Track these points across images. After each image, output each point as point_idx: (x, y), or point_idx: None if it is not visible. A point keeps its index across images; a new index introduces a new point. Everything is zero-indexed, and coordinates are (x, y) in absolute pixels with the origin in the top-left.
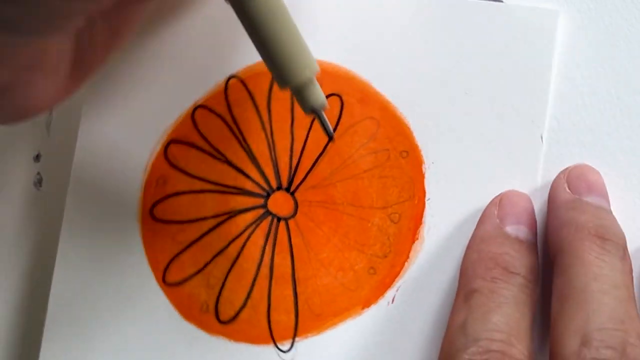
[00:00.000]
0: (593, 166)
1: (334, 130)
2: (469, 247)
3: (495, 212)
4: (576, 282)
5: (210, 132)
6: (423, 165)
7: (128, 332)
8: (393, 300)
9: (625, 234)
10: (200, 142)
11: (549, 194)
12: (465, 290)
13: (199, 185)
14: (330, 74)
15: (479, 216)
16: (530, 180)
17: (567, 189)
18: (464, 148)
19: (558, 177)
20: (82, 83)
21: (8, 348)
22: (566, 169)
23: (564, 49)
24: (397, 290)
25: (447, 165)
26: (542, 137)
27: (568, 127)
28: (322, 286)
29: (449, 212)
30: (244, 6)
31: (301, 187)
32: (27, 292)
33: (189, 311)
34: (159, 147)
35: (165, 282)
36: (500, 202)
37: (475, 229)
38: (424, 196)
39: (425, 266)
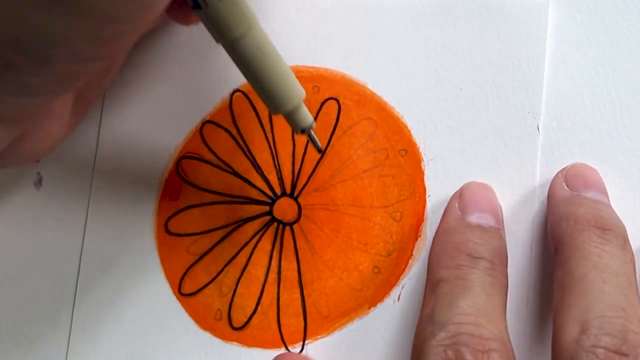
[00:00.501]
0: (593, 166)
1: (332, 133)
2: (433, 241)
3: (457, 205)
4: (576, 272)
5: (218, 145)
6: (422, 162)
7: (148, 344)
8: (399, 298)
9: (634, 261)
10: (209, 156)
11: (548, 193)
12: (432, 282)
13: (208, 197)
14: (327, 79)
15: None
16: (529, 170)
17: (565, 186)
18: (462, 143)
19: (556, 176)
20: (81, 118)
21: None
22: (564, 168)
23: (564, 49)
24: (402, 288)
25: (446, 161)
26: (538, 127)
27: (568, 127)
28: (328, 288)
29: None
30: (237, 51)
31: (304, 192)
32: (27, 291)
33: (204, 320)
34: (171, 164)
35: (181, 293)
36: (460, 194)
37: (439, 224)
38: (425, 193)
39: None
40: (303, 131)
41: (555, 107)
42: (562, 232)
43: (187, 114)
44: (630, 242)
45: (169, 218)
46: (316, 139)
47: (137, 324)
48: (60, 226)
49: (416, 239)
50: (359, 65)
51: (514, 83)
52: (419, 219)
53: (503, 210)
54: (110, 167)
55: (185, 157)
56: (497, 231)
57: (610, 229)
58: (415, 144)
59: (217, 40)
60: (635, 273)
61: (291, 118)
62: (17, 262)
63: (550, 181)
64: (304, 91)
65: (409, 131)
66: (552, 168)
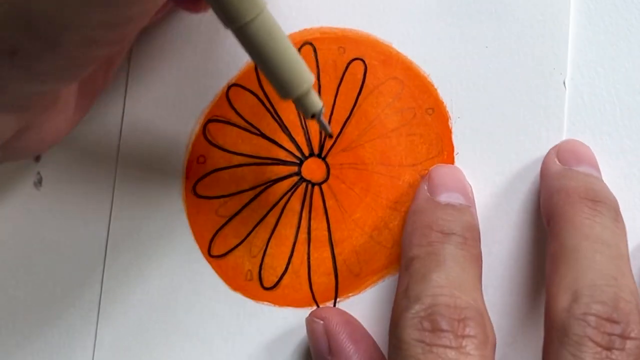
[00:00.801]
0: None
1: (359, 93)
2: (405, 223)
3: (425, 187)
4: (568, 243)
5: (244, 108)
6: (449, 120)
7: (179, 305)
8: None
9: (626, 234)
10: (236, 119)
11: (541, 168)
12: (405, 260)
13: (236, 159)
14: (353, 40)
15: (508, 167)
16: (557, 126)
17: (557, 161)
18: (489, 100)
19: (549, 152)
20: (86, 111)
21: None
22: (556, 145)
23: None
24: None
25: (473, 119)
26: (564, 83)
27: (568, 127)
28: (359, 246)
29: (478, 165)
30: (245, 36)
31: (332, 152)
32: (28, 291)
33: (235, 281)
34: (197, 127)
35: (210, 255)
36: (429, 177)
37: (410, 207)
38: (453, 151)
39: None
40: (313, 116)
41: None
42: (554, 205)
43: (213, 78)
44: (631, 242)
45: (197, 181)
46: (326, 124)
47: (167, 288)
48: (61, 225)
49: None
50: (383, 25)
51: (539, 39)
52: None
53: (529, 166)
54: (136, 133)
55: (212, 120)
56: (467, 208)
57: (602, 201)
58: (442, 103)
59: (226, 25)
60: (627, 244)
61: (300, 103)
62: (17, 262)
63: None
64: (313, 76)
65: (435, 90)
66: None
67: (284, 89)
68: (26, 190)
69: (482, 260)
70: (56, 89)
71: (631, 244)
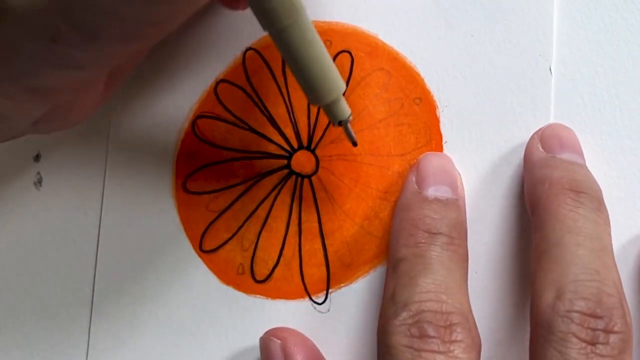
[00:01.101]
0: (593, 166)
1: (347, 83)
2: (393, 218)
3: (414, 178)
4: (551, 236)
5: (233, 103)
6: (437, 110)
7: (171, 301)
8: None
9: (626, 234)
10: (224, 114)
11: (524, 154)
12: (392, 261)
13: (226, 154)
14: (338, 32)
15: (497, 154)
16: (544, 112)
17: (540, 147)
18: (476, 88)
19: (532, 137)
20: (112, 92)
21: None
22: (540, 129)
23: (564, 49)
24: None
25: (461, 107)
26: (550, 69)
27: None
28: (350, 237)
29: (467, 153)
30: (283, 40)
31: (320, 144)
32: (27, 290)
33: (226, 275)
34: (186, 124)
35: (202, 250)
36: (417, 167)
37: (398, 201)
38: (441, 140)
39: None
40: (340, 123)
41: (555, 107)
42: (538, 196)
43: (201, 74)
44: (631, 241)
45: (187, 177)
46: (352, 131)
47: (160, 284)
48: (60, 225)
49: None
50: (369, 17)
51: (523, 27)
52: None
53: (517, 153)
54: (125, 132)
55: (200, 116)
56: (454, 202)
57: (585, 191)
58: (429, 92)
59: (265, 28)
60: (610, 235)
61: (330, 110)
62: (17, 262)
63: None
64: (344, 84)
65: (422, 80)
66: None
67: (316, 95)
68: (26, 190)
69: (468, 259)
70: (89, 76)
71: (633, 246)
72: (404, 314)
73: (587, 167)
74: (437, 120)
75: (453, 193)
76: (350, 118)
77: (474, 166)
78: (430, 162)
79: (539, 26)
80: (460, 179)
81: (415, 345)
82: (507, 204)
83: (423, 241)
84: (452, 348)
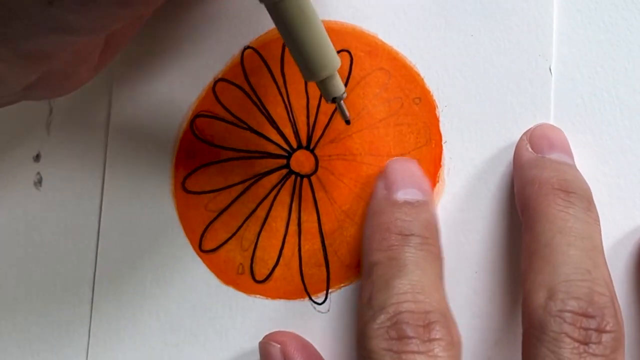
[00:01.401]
0: (592, 166)
1: (346, 85)
2: (365, 224)
3: (382, 184)
4: (542, 237)
5: (231, 102)
6: (436, 109)
7: (171, 301)
8: None
9: (626, 234)
10: (223, 113)
11: (513, 155)
12: (366, 266)
13: (224, 154)
14: (338, 32)
15: (496, 153)
16: (544, 112)
17: (529, 148)
18: (475, 88)
19: (521, 138)
20: (107, 63)
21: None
22: (528, 129)
23: (564, 48)
24: None
25: (460, 107)
26: (550, 69)
27: (568, 127)
28: (350, 236)
29: (467, 153)
30: (279, 13)
31: (320, 143)
32: (27, 290)
33: (226, 275)
34: (185, 123)
35: (201, 250)
36: (385, 173)
37: (368, 208)
38: (441, 139)
39: (448, 207)
40: (334, 100)
41: (555, 107)
42: (527, 197)
43: (199, 73)
44: (631, 242)
45: (186, 177)
46: (345, 109)
47: (159, 284)
48: (60, 225)
49: (434, 185)
50: (368, 16)
51: (523, 27)
52: (436, 165)
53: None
54: (124, 132)
55: (199, 115)
56: (425, 204)
57: (575, 191)
58: (428, 92)
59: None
60: (600, 234)
61: (324, 86)
62: (17, 262)
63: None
64: (339, 60)
65: (422, 79)
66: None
67: (311, 70)
68: (26, 190)
69: (442, 258)
70: (83, 41)
71: (633, 246)
72: (382, 317)
73: (576, 167)
74: (437, 120)
75: (422, 195)
76: (345, 95)
77: (473, 165)
78: (398, 166)
79: (538, 26)
80: (429, 182)
81: (395, 348)
82: (506, 203)
83: (396, 243)
84: (431, 347)
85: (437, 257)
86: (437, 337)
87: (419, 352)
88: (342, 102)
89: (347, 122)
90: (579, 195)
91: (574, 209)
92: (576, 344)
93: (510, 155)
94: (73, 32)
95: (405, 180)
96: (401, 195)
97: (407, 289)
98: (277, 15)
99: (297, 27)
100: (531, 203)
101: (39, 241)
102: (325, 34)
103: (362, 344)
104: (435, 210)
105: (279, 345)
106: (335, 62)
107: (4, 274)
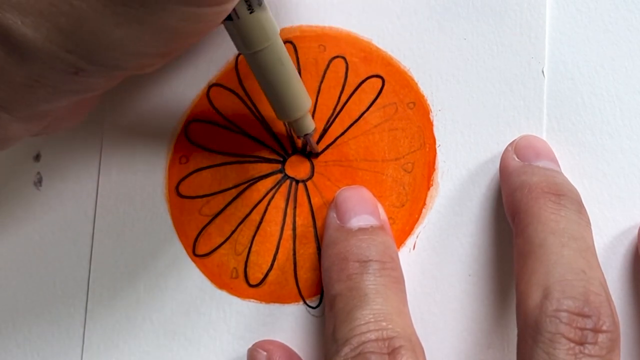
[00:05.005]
0: (592, 166)
1: (341, 91)
2: (321, 257)
3: (334, 214)
4: (535, 238)
5: (226, 107)
6: (430, 113)
7: (165, 305)
8: (414, 247)
9: (625, 235)
10: (217, 118)
11: (500, 165)
12: (328, 299)
13: (219, 159)
14: (333, 37)
15: (490, 156)
16: (536, 114)
17: (515, 157)
18: (469, 92)
19: (506, 149)
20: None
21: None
22: (513, 141)
23: (564, 48)
24: (417, 237)
25: (454, 111)
26: (543, 72)
27: (568, 127)
28: None
29: (460, 156)
30: (256, 62)
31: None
32: (26, 290)
33: (220, 279)
34: (179, 128)
35: (195, 254)
36: (335, 204)
37: (322, 238)
38: (435, 143)
39: (442, 210)
40: (305, 136)
41: (555, 107)
42: (518, 202)
43: (193, 78)
44: (631, 242)
45: (180, 181)
46: (314, 144)
47: (153, 288)
48: (60, 225)
49: (428, 188)
50: (363, 22)
51: (516, 29)
52: (430, 169)
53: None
54: (118, 136)
55: (193, 120)
56: (379, 229)
57: (565, 194)
58: (422, 96)
59: (241, 50)
60: (592, 235)
61: (296, 125)
62: (17, 262)
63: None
64: (310, 101)
65: (416, 84)
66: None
67: (285, 112)
68: (26, 190)
69: (404, 281)
70: (97, 95)
71: (633, 246)
72: (345, 349)
73: (563, 173)
74: (431, 124)
75: (375, 220)
76: (314, 132)
77: (467, 169)
78: (348, 194)
79: (531, 29)
80: (381, 206)
81: None
82: (500, 206)
83: (355, 272)
84: None
85: (398, 281)
86: None
87: None
88: (311, 138)
89: (317, 154)
90: (569, 197)
91: (565, 210)
92: (572, 345)
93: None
94: (94, 90)
95: (357, 207)
96: (355, 222)
97: (369, 319)
98: (255, 63)
99: (274, 74)
100: (522, 207)
101: (39, 241)
102: (299, 78)
103: None
104: (391, 233)
105: (265, 353)
106: (306, 103)
107: (3, 274)
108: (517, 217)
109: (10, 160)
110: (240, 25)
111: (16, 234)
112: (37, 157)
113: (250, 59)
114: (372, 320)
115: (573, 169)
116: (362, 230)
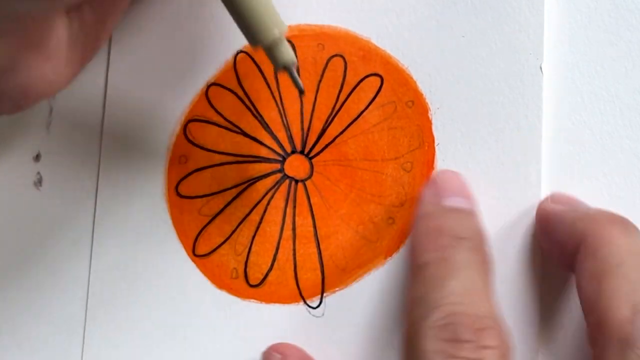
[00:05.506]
0: (592, 166)
1: (340, 90)
2: (413, 227)
3: (429, 192)
4: (611, 259)
5: (224, 107)
6: (429, 112)
7: (165, 305)
8: None
9: None
10: (216, 118)
11: (538, 212)
12: (417, 265)
13: (218, 158)
14: (331, 36)
15: (489, 156)
16: (535, 112)
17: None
18: (467, 90)
19: (544, 198)
20: (78, 70)
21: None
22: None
23: (564, 48)
24: None
25: (453, 109)
26: (541, 68)
27: (568, 127)
28: (345, 241)
29: (459, 154)
30: None
31: (314, 149)
32: (26, 290)
33: (220, 279)
34: (178, 128)
35: (195, 254)
36: (433, 182)
37: (416, 212)
38: (433, 142)
39: None
40: (284, 67)
41: (555, 107)
42: (584, 228)
43: (192, 78)
44: None
45: (180, 181)
46: (298, 78)
47: (153, 289)
48: (60, 225)
49: None
50: (361, 20)
51: (514, 26)
52: (430, 168)
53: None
54: (117, 136)
55: (192, 120)
56: (473, 213)
57: (629, 222)
58: (421, 95)
59: None
60: None
61: (272, 53)
62: (17, 262)
63: (553, 157)
64: (285, 26)
65: (415, 82)
66: (552, 168)
67: (253, 34)
68: (26, 190)
69: (494, 266)
70: (36, 21)
71: None
72: (435, 315)
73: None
74: (430, 123)
75: (470, 205)
76: (296, 63)
77: (465, 168)
78: (446, 176)
79: (529, 25)
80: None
81: (448, 350)
82: (498, 205)
83: (449, 244)
84: (484, 354)
85: (488, 264)
86: (492, 344)
87: (471, 359)
88: (294, 71)
89: (301, 91)
90: (630, 223)
91: (637, 235)
92: None
93: (501, 155)
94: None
95: (454, 189)
96: (450, 201)
97: (461, 291)
98: None
99: None
100: (589, 232)
101: (39, 241)
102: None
103: (411, 342)
104: (481, 221)
105: (279, 356)
106: (281, 26)
107: (3, 274)
108: (586, 242)
109: (10, 160)
110: None
111: (16, 234)
112: (37, 157)
113: None
114: (464, 293)
115: (573, 168)
116: (457, 209)
